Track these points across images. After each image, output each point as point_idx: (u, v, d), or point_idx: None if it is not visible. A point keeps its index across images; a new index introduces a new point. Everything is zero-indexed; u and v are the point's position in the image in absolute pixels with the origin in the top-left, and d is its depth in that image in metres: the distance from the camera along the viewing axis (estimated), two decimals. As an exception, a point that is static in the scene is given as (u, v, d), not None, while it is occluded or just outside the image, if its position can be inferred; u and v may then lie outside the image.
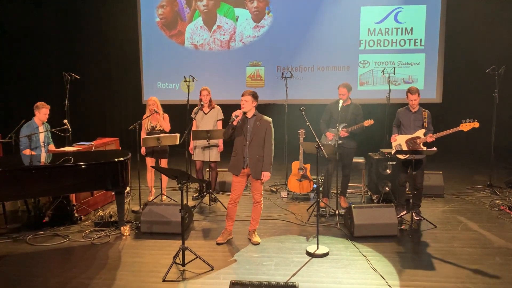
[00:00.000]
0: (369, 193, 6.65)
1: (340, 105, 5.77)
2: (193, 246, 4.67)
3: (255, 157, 4.81)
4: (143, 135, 6.29)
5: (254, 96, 4.81)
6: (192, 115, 6.45)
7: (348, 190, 6.36)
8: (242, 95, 4.79)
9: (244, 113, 4.82)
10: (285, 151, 7.51)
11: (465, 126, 5.31)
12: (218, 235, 5.13)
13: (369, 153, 6.78)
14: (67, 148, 6.09)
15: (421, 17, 9.55)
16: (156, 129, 6.36)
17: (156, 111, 6.23)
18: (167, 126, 6.38)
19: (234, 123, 4.74)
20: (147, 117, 6.30)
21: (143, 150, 6.36)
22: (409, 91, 5.52)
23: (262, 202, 5.02)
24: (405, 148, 5.53)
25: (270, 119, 4.88)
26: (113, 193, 5.67)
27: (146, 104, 6.44)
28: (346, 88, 5.85)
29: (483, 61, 8.51)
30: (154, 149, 6.28)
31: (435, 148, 5.29)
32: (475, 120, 5.28)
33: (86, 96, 10.38)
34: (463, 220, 5.69)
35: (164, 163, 6.41)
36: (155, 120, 6.36)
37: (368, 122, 5.68)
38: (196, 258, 4.41)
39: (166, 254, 4.68)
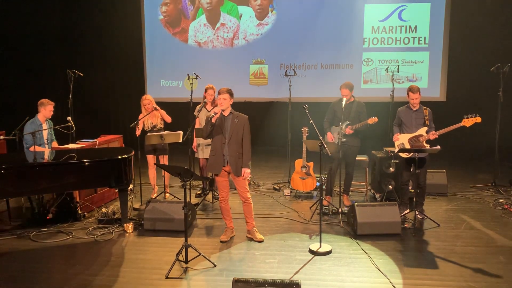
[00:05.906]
0: (372, 191, 6.64)
1: (343, 103, 5.75)
2: (196, 243, 4.68)
3: (235, 154, 4.85)
4: (138, 133, 6.27)
5: (231, 93, 4.86)
6: (195, 113, 6.45)
7: (351, 188, 6.35)
8: (219, 93, 4.83)
9: (222, 111, 4.85)
10: (288, 149, 7.50)
11: (468, 122, 5.26)
12: (221, 232, 5.14)
13: (373, 151, 6.77)
14: (71, 145, 6.10)
15: (425, 15, 9.51)
16: (158, 127, 6.38)
17: (156, 109, 6.24)
18: (168, 118, 6.40)
19: (213, 120, 4.78)
20: (145, 116, 6.29)
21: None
22: (411, 90, 5.48)
23: (250, 198, 5.03)
24: (408, 147, 5.51)
25: (247, 116, 4.92)
26: (116, 190, 5.68)
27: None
28: (348, 88, 5.80)
29: (487, 59, 8.46)
30: (156, 146, 6.29)
31: (438, 146, 5.26)
32: (477, 115, 5.22)
33: (90, 94, 10.38)
34: (466, 219, 5.67)
35: (165, 160, 6.42)
36: (155, 118, 6.36)
37: (372, 120, 5.65)
38: (199, 255, 4.43)
39: (169, 251, 4.69)
